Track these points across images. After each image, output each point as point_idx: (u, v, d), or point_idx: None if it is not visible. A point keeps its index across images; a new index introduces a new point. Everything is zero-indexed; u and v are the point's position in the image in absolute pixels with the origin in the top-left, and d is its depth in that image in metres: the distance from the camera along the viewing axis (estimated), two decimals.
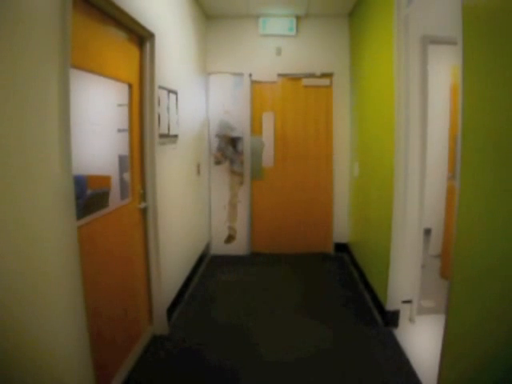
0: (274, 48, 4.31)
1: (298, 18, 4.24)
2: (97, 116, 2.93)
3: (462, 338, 1.62)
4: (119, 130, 2.67)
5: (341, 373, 2.31)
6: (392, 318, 2.82)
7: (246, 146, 4.44)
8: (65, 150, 1.49)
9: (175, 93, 3.05)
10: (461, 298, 1.63)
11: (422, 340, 2.60)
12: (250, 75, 4.36)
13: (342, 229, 4.50)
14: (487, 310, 1.43)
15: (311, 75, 4.35)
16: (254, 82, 4.40)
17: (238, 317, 3.01)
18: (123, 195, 2.57)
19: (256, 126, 4.47)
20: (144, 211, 2.57)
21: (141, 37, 2.45)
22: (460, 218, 1.64)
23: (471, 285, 1.54)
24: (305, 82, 4.36)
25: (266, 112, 4.45)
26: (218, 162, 4.51)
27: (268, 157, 4.50)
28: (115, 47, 2.14)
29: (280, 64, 4.33)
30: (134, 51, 2.39)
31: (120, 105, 2.47)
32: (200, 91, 4.09)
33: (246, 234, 4.57)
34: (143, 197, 2.54)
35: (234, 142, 4.48)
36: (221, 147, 4.49)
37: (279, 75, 4.38)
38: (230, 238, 4.64)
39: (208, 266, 4.16)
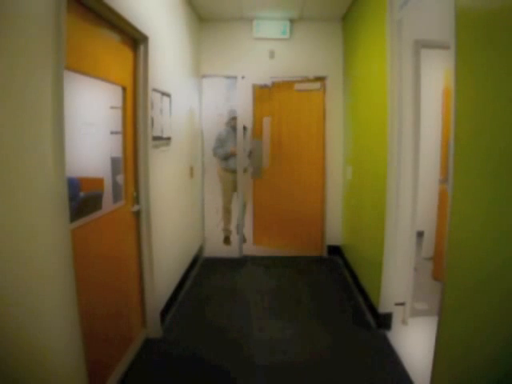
0: (268, 51, 4.32)
1: (291, 21, 4.26)
2: (90, 118, 2.92)
3: (455, 340, 1.63)
4: (112, 132, 2.66)
5: (333, 376, 2.31)
6: (385, 321, 2.83)
7: (239, 147, 4.45)
8: (58, 152, 1.47)
9: (169, 95, 3.04)
10: (454, 301, 1.64)
11: (415, 342, 2.61)
12: (243, 78, 4.36)
13: (335, 231, 4.51)
14: (480, 312, 1.44)
15: (304, 78, 4.37)
16: (247, 85, 4.40)
17: (231, 319, 3.00)
18: (116, 198, 2.56)
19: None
20: (137, 214, 2.56)
21: (135, 39, 2.44)
22: (452, 222, 1.65)
23: (464, 287, 1.56)
24: (297, 86, 4.37)
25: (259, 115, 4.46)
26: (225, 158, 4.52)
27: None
28: (109, 49, 2.13)
29: (273, 67, 4.34)
30: (127, 54, 2.38)
31: (113, 107, 2.47)
32: (193, 94, 4.08)
33: (239, 237, 4.56)
34: (136, 199, 2.53)
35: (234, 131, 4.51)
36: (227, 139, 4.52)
37: (272, 78, 4.40)
38: (226, 240, 4.73)
39: (201, 269, 4.15)
